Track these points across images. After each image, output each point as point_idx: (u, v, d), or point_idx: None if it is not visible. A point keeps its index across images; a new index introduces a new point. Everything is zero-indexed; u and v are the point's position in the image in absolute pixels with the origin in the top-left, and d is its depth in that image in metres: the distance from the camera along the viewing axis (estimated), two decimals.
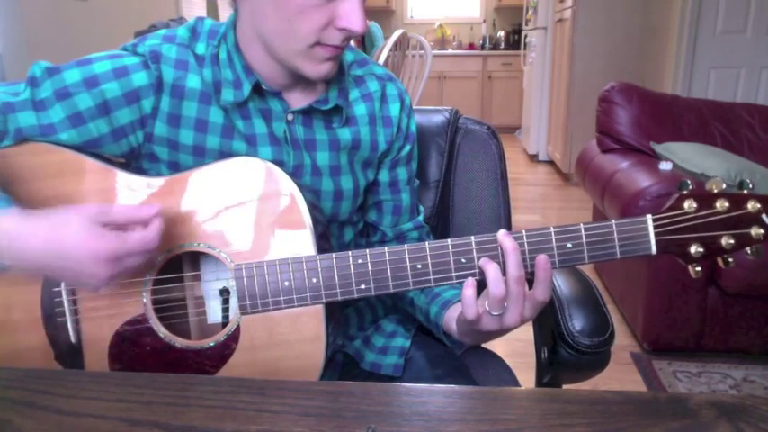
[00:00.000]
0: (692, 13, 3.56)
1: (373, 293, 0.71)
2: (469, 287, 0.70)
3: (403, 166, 0.94)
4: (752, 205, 0.66)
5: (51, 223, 0.64)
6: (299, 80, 0.82)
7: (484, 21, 7.20)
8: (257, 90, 0.81)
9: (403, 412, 0.52)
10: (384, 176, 0.93)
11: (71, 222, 0.63)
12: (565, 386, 0.93)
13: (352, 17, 0.72)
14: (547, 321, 0.93)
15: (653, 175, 2.01)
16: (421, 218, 0.99)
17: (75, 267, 0.63)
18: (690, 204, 0.67)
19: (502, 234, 0.69)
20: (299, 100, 0.84)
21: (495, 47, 7.01)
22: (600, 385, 1.62)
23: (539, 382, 0.97)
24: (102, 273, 0.63)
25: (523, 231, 0.69)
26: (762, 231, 0.66)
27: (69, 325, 0.73)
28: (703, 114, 2.50)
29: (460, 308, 0.75)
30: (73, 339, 0.74)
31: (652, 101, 2.50)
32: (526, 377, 1.07)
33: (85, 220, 0.64)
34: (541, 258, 0.68)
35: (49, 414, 0.52)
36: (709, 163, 2.08)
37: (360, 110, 0.88)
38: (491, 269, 0.69)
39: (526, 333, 0.94)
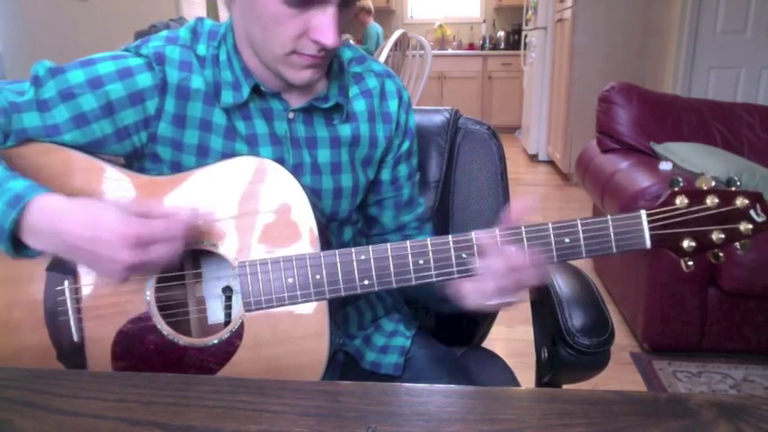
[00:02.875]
0: (692, 13, 3.56)
1: (376, 289, 0.72)
2: (468, 281, 0.72)
3: (404, 163, 0.94)
4: (740, 201, 0.69)
5: (90, 210, 0.67)
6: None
7: (484, 21, 7.20)
8: (257, 91, 0.81)
9: (403, 412, 0.52)
10: (386, 175, 0.93)
11: (109, 211, 0.67)
12: (565, 386, 0.93)
13: (324, 31, 0.71)
14: (547, 321, 0.94)
15: (653, 175, 2.01)
16: (421, 210, 0.99)
17: (103, 252, 0.66)
18: (682, 200, 0.69)
19: (476, 234, 0.70)
20: (298, 99, 0.84)
21: (495, 47, 7.01)
22: (600, 385, 1.62)
23: (539, 382, 0.97)
24: (126, 258, 0.65)
25: (522, 227, 0.70)
26: (750, 226, 0.69)
27: (72, 324, 0.73)
28: (703, 114, 2.50)
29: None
30: (75, 338, 0.74)
31: (652, 101, 2.50)
32: (526, 377, 1.07)
33: (120, 210, 0.67)
34: (517, 247, 0.70)
35: (49, 414, 0.52)
36: (709, 163, 2.08)
37: (359, 106, 0.88)
38: (486, 265, 0.70)
39: (526, 333, 0.95)
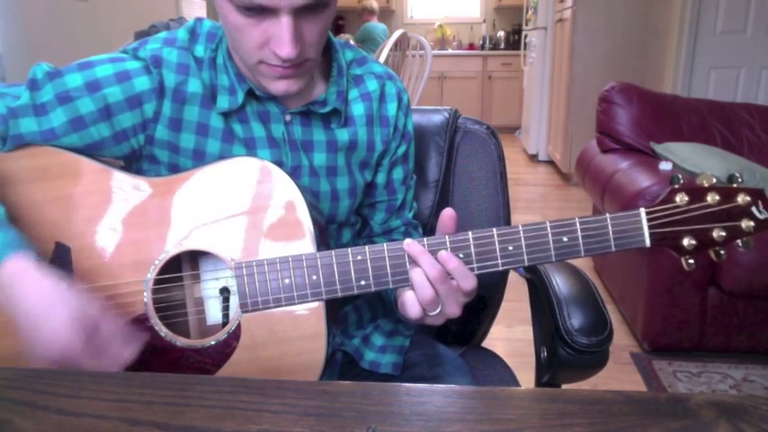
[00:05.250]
0: (692, 13, 3.56)
1: (373, 289, 0.72)
2: (409, 290, 0.71)
3: (399, 166, 0.94)
4: (741, 198, 0.68)
5: (46, 302, 0.64)
6: None
7: (484, 21, 7.20)
8: (253, 94, 0.81)
9: (403, 412, 0.52)
10: (381, 178, 0.93)
11: (62, 313, 0.64)
12: (564, 386, 0.93)
13: (278, 42, 0.69)
14: (546, 321, 0.94)
15: (653, 175, 2.02)
16: (411, 215, 0.99)
17: (42, 336, 0.64)
18: (682, 198, 0.68)
19: (406, 244, 0.69)
20: (296, 102, 0.84)
21: (495, 47, 7.01)
22: (600, 385, 1.62)
23: (538, 382, 0.97)
24: (67, 339, 0.63)
25: (520, 226, 0.70)
26: (752, 223, 0.68)
27: None
28: (703, 114, 2.50)
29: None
30: None
31: (652, 101, 2.50)
32: (526, 377, 1.07)
33: (76, 317, 0.64)
34: (442, 254, 0.69)
35: (49, 414, 0.52)
36: (709, 163, 2.08)
37: (358, 109, 0.87)
38: (415, 275, 0.69)
39: (526, 333, 0.95)
